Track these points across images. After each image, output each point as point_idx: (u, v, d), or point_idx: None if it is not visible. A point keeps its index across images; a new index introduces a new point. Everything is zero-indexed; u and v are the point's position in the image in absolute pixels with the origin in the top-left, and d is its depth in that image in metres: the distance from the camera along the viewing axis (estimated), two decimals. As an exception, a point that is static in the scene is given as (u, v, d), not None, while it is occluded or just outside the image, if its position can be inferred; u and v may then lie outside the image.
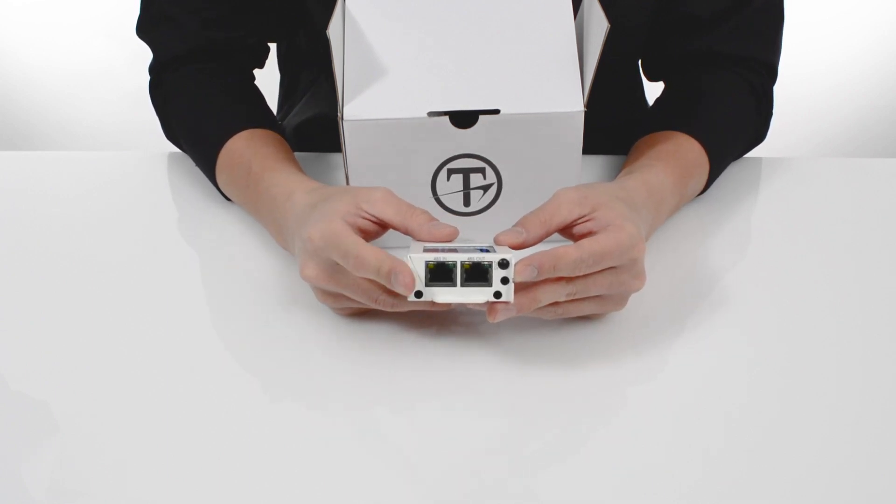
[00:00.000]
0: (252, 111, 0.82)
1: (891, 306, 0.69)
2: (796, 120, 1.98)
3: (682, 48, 0.84)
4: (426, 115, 0.68)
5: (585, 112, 0.68)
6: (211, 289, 0.72)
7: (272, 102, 0.91)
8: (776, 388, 0.63)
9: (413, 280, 0.58)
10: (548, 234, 0.63)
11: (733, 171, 0.84)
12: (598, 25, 0.66)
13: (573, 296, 0.62)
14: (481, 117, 0.68)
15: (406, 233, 0.63)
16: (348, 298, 0.63)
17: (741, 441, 0.59)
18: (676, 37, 0.84)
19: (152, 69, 0.87)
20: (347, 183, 0.72)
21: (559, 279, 0.60)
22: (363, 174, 0.71)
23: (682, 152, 0.77)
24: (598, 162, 0.85)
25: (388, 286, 0.59)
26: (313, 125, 0.99)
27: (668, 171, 0.74)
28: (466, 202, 0.73)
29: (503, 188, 0.72)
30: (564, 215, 0.63)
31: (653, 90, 1.13)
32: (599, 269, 0.61)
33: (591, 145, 0.73)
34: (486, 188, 0.72)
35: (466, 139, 0.69)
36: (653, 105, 0.87)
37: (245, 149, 0.77)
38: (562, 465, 0.58)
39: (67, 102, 2.16)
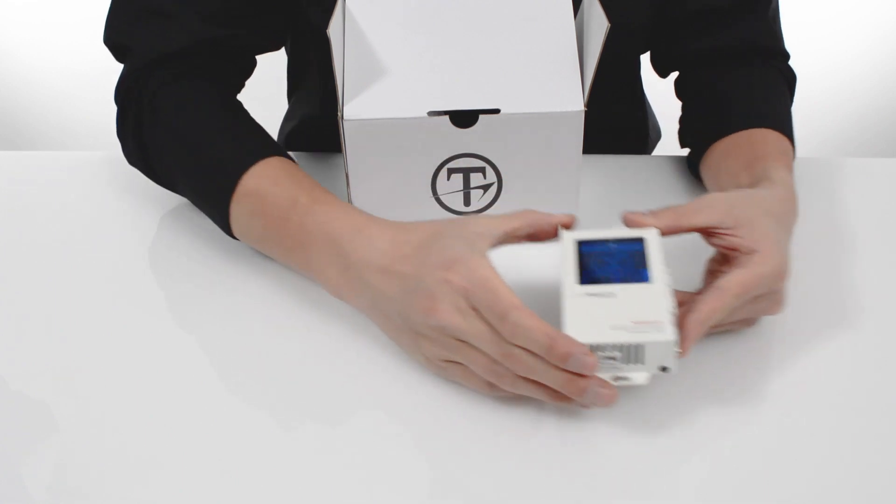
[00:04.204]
0: (267, 138, 0.73)
1: (891, 306, 0.69)
2: (796, 120, 1.98)
3: (707, 42, 0.84)
4: (426, 115, 0.68)
5: (585, 112, 0.68)
6: (212, 288, 0.72)
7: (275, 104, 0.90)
8: (777, 388, 0.63)
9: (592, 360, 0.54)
10: (678, 231, 0.62)
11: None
12: (598, 25, 0.66)
13: (711, 331, 0.61)
14: (481, 117, 0.68)
15: (536, 236, 0.62)
16: (461, 366, 0.59)
17: (743, 442, 0.59)
18: (696, 30, 0.84)
19: (127, 76, 0.77)
20: (347, 183, 0.72)
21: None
22: (363, 174, 0.71)
23: (790, 152, 0.76)
24: (598, 162, 0.85)
25: (548, 356, 0.54)
26: (300, 131, 0.97)
27: (789, 171, 0.73)
28: (467, 201, 0.73)
29: (503, 187, 0.72)
30: (704, 220, 0.62)
31: (653, 90, 1.12)
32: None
33: (591, 145, 0.73)
34: (486, 188, 0.72)
35: (466, 139, 0.69)
36: (703, 101, 0.84)
37: (284, 178, 0.69)
38: (566, 466, 0.58)
39: (67, 102, 2.16)
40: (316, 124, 0.96)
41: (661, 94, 1.07)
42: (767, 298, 0.62)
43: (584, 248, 0.61)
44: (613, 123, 0.89)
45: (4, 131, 2.14)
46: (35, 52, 2.30)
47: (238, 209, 0.69)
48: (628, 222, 0.62)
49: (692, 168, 0.83)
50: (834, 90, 2.12)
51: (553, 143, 0.70)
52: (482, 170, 0.71)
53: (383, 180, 0.71)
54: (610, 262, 0.59)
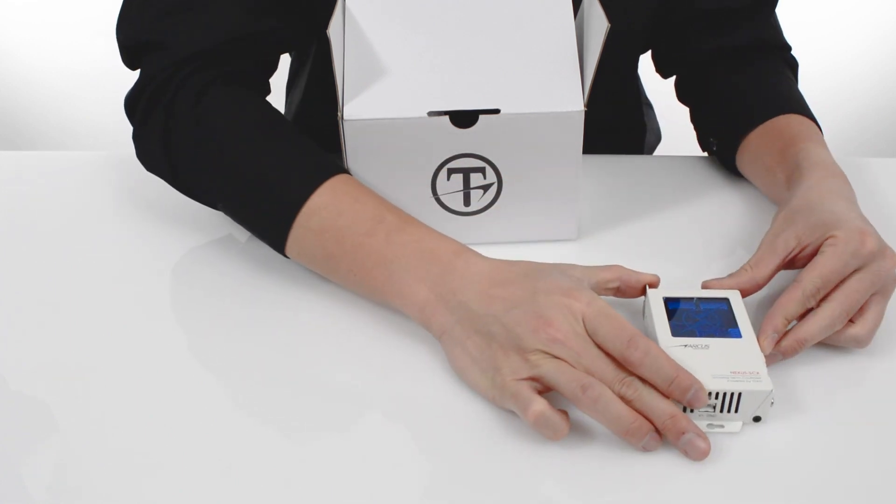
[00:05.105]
0: (329, 155, 0.70)
1: (891, 306, 0.69)
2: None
3: (718, 42, 0.85)
4: (426, 115, 0.68)
5: (585, 112, 0.68)
6: (212, 289, 0.72)
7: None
8: (780, 390, 0.63)
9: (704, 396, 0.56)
10: (759, 288, 0.64)
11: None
12: (598, 25, 0.66)
13: (849, 314, 0.62)
14: (481, 117, 0.68)
15: (624, 292, 0.64)
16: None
17: (743, 449, 0.59)
18: (705, 31, 0.85)
19: (152, 76, 0.71)
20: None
21: (807, 315, 0.61)
22: (363, 174, 0.71)
23: (817, 129, 0.78)
24: (598, 162, 0.85)
25: (669, 391, 0.56)
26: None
27: (822, 146, 0.75)
28: (466, 202, 0.73)
29: (503, 188, 0.72)
30: (775, 264, 0.64)
31: (652, 90, 1.13)
32: (839, 281, 0.61)
33: (591, 145, 0.73)
34: (486, 188, 0.72)
35: (466, 139, 0.69)
36: (720, 100, 0.85)
37: (364, 195, 0.67)
38: (568, 469, 0.58)
39: (67, 102, 2.16)
40: (314, 123, 0.96)
41: (663, 95, 1.07)
42: (873, 261, 0.62)
43: (672, 305, 0.63)
44: (612, 123, 0.89)
45: (4, 131, 2.14)
46: (35, 52, 2.30)
47: (304, 224, 0.66)
48: (709, 288, 0.65)
49: (726, 164, 0.84)
50: (834, 90, 2.12)
51: (553, 143, 0.70)
52: (482, 170, 0.71)
53: (383, 180, 0.71)
54: (699, 319, 0.62)
